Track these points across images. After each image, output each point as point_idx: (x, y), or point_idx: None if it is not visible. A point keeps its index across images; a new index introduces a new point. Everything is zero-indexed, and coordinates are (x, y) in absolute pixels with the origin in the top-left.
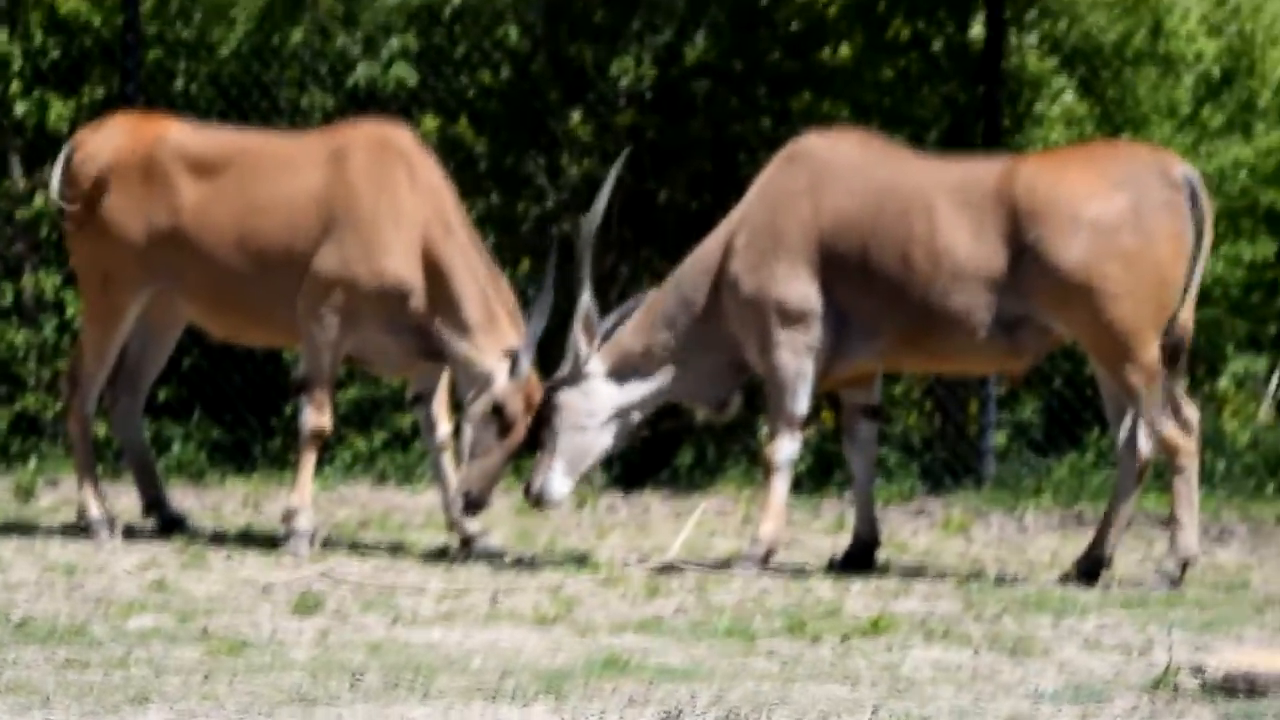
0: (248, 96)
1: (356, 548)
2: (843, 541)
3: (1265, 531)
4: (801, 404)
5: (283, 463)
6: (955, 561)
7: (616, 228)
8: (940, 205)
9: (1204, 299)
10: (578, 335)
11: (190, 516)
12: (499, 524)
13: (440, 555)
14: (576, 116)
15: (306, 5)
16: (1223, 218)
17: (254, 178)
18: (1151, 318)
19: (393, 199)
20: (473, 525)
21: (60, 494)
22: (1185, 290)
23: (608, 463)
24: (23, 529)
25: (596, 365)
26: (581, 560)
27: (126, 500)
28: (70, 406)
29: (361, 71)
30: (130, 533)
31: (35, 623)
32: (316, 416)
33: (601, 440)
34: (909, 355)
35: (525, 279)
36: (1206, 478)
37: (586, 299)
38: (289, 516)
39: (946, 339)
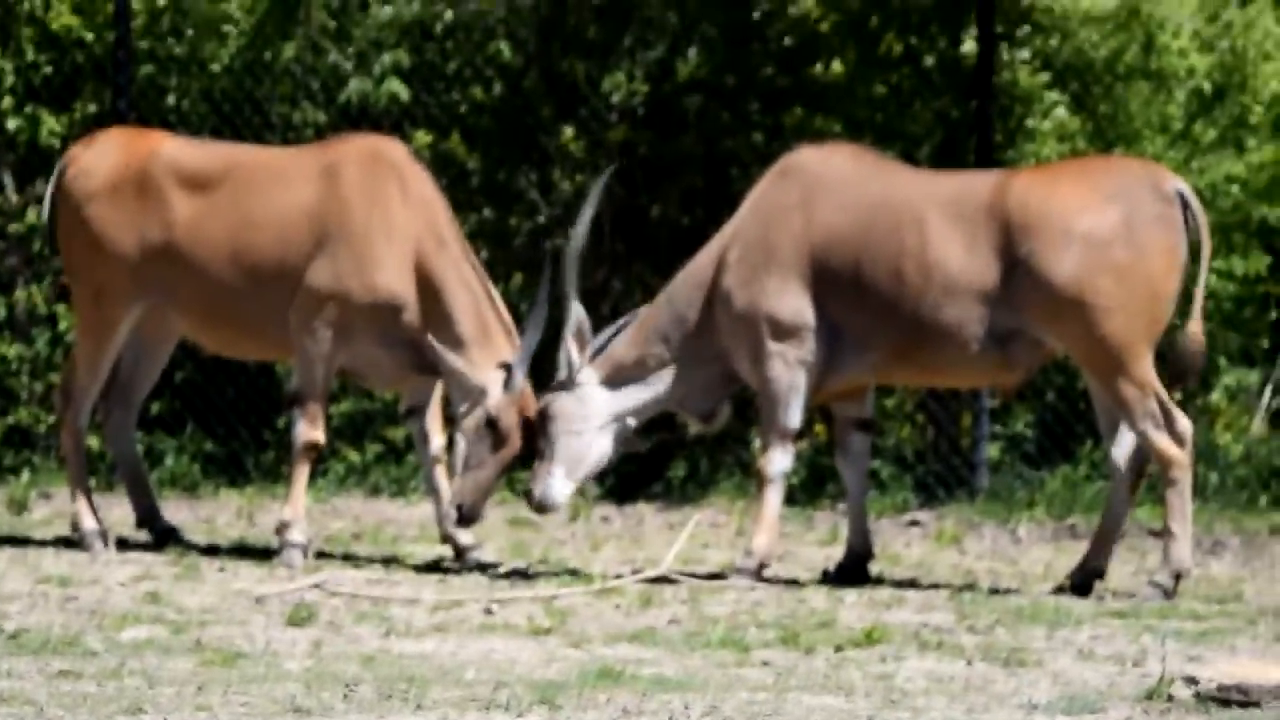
0: (240, 112)
1: (350, 559)
2: (836, 553)
3: (1258, 544)
4: (794, 417)
5: (276, 475)
6: (948, 573)
7: (609, 242)
8: (932, 219)
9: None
10: (569, 344)
11: (183, 529)
12: (493, 536)
13: (434, 567)
14: (569, 132)
15: (299, 21)
16: (1215, 232)
17: (247, 193)
18: (1144, 331)
19: (385, 213)
20: (466, 537)
21: (53, 507)
22: (1190, 301)
23: (601, 475)
24: (16, 541)
25: (590, 374)
26: (575, 572)
27: (120, 513)
28: (63, 420)
29: (354, 87)
30: (124, 545)
31: (29, 634)
32: (309, 429)
33: (599, 445)
34: (901, 368)
35: (518, 293)
36: (1199, 490)
37: (578, 308)
38: (282, 529)
39: (939, 352)
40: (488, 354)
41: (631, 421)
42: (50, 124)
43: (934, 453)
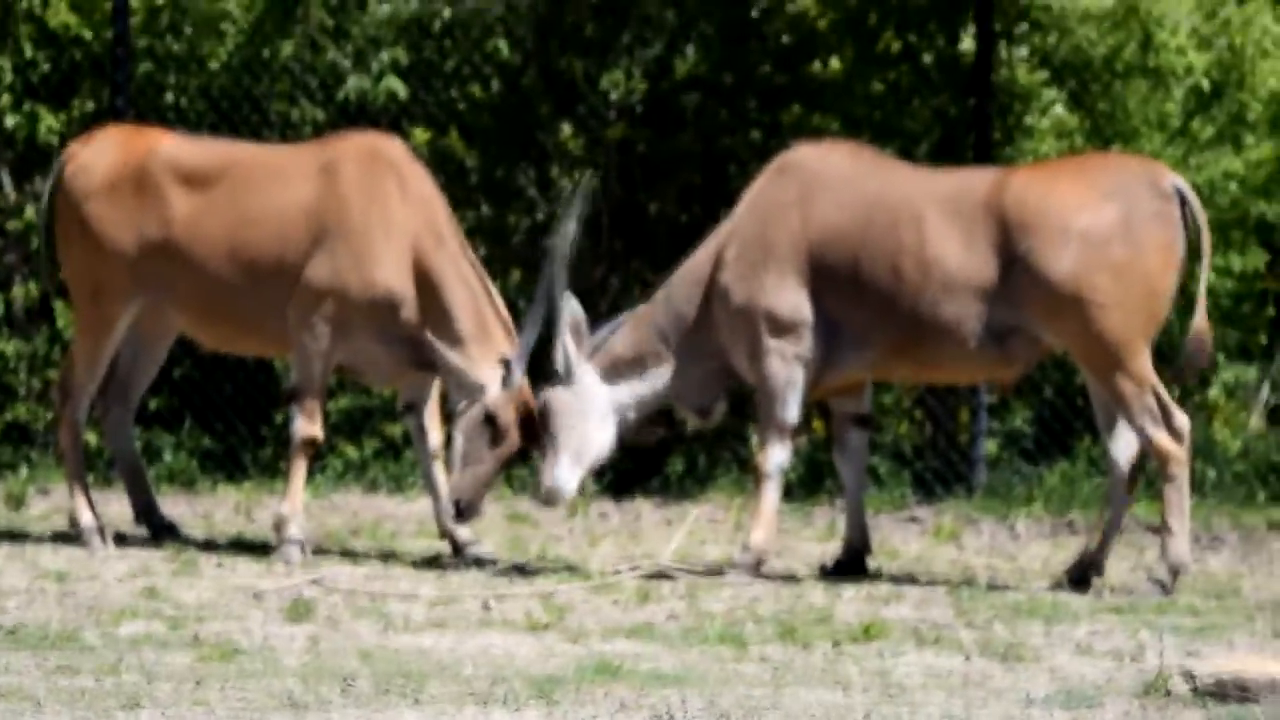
0: (238, 110)
1: (348, 555)
2: (833, 549)
3: (1256, 539)
4: (792, 413)
5: (274, 471)
6: (946, 569)
7: (607, 239)
8: (930, 216)
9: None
10: (566, 339)
11: (181, 524)
12: (490, 532)
13: (432, 563)
14: (567, 129)
15: (297, 19)
16: (1213, 229)
17: (245, 190)
18: (1141, 328)
19: (384, 210)
20: (464, 533)
21: (52, 502)
22: (1190, 298)
23: (599, 471)
24: (14, 537)
25: (588, 369)
26: (573, 567)
27: (118, 508)
28: (62, 416)
29: (352, 85)
30: (121, 540)
31: (27, 629)
32: (308, 425)
33: (601, 434)
34: (899, 365)
35: (516, 290)
36: (1198, 486)
37: (574, 304)
38: (280, 524)
39: (937, 349)
40: (486, 350)
41: (632, 414)
42: (48, 121)
43: (932, 448)
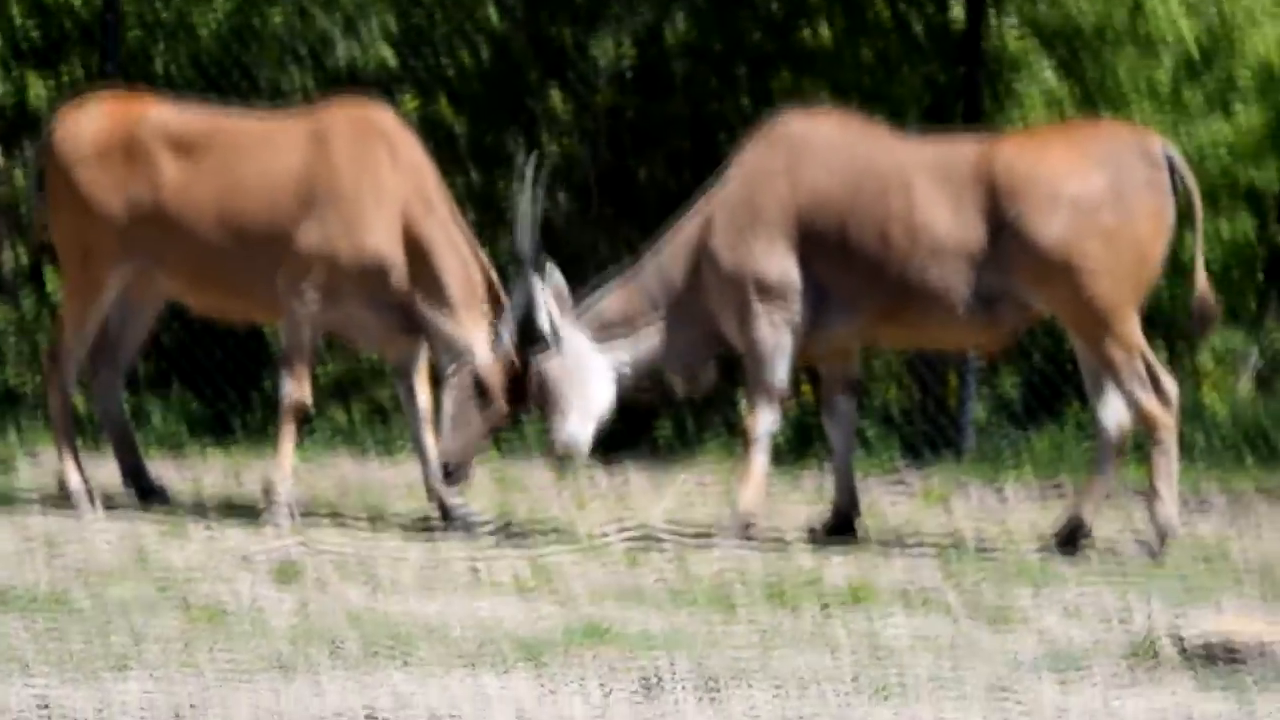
0: (227, 76)
1: (336, 518)
2: (822, 512)
3: (1244, 503)
4: (780, 377)
5: (263, 435)
6: (935, 532)
7: (596, 205)
8: (918, 183)
9: (1184, 274)
10: (550, 307)
11: (170, 488)
12: (479, 495)
13: (420, 526)
14: (556, 96)
15: None
16: (1203, 195)
17: (235, 156)
18: (1130, 294)
19: (374, 177)
20: (453, 496)
21: (40, 466)
22: (1181, 264)
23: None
24: (3, 500)
25: (574, 332)
26: (561, 531)
27: (106, 472)
28: (51, 380)
29: (341, 51)
30: (110, 504)
31: (16, 592)
32: (297, 390)
33: (603, 389)
34: (888, 330)
35: (506, 256)
36: (1186, 451)
37: (555, 274)
38: (269, 488)
39: (925, 314)
40: (475, 316)
41: (627, 370)
42: (37, 87)
43: (921, 413)
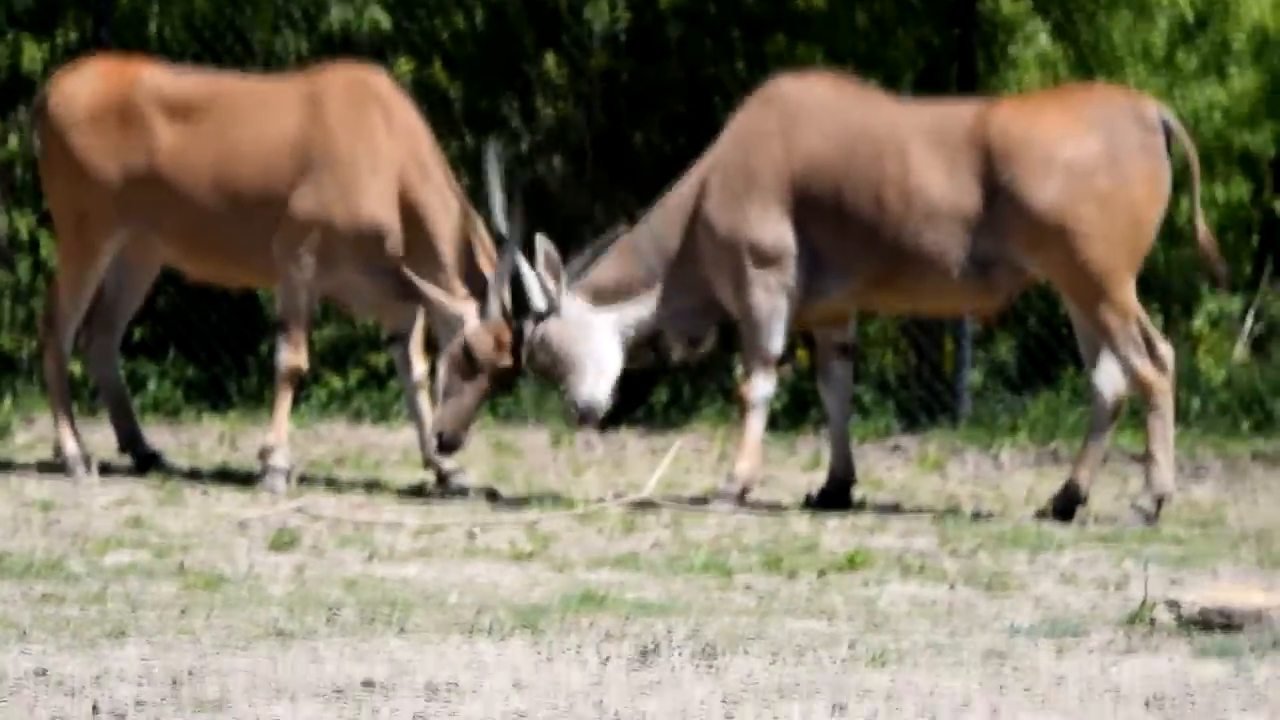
0: (221, 40)
1: (333, 484)
2: (818, 479)
3: (1240, 468)
4: (776, 343)
5: (259, 401)
6: (931, 498)
7: (591, 170)
8: (913, 147)
9: (1179, 239)
10: (544, 275)
11: (166, 454)
12: (476, 462)
13: (416, 492)
14: (551, 59)
15: None
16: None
17: (231, 121)
18: (1126, 258)
19: (370, 142)
20: (449, 462)
21: (36, 432)
22: (1179, 227)
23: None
24: None
25: (571, 297)
26: (558, 497)
27: (102, 438)
28: (46, 345)
29: (335, 15)
30: (106, 470)
31: (12, 558)
32: (293, 355)
33: (611, 348)
34: (883, 295)
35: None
36: (1182, 416)
37: (546, 243)
38: (265, 454)
39: (920, 279)
40: (471, 282)
41: (631, 332)
42: (31, 51)
43: (917, 378)
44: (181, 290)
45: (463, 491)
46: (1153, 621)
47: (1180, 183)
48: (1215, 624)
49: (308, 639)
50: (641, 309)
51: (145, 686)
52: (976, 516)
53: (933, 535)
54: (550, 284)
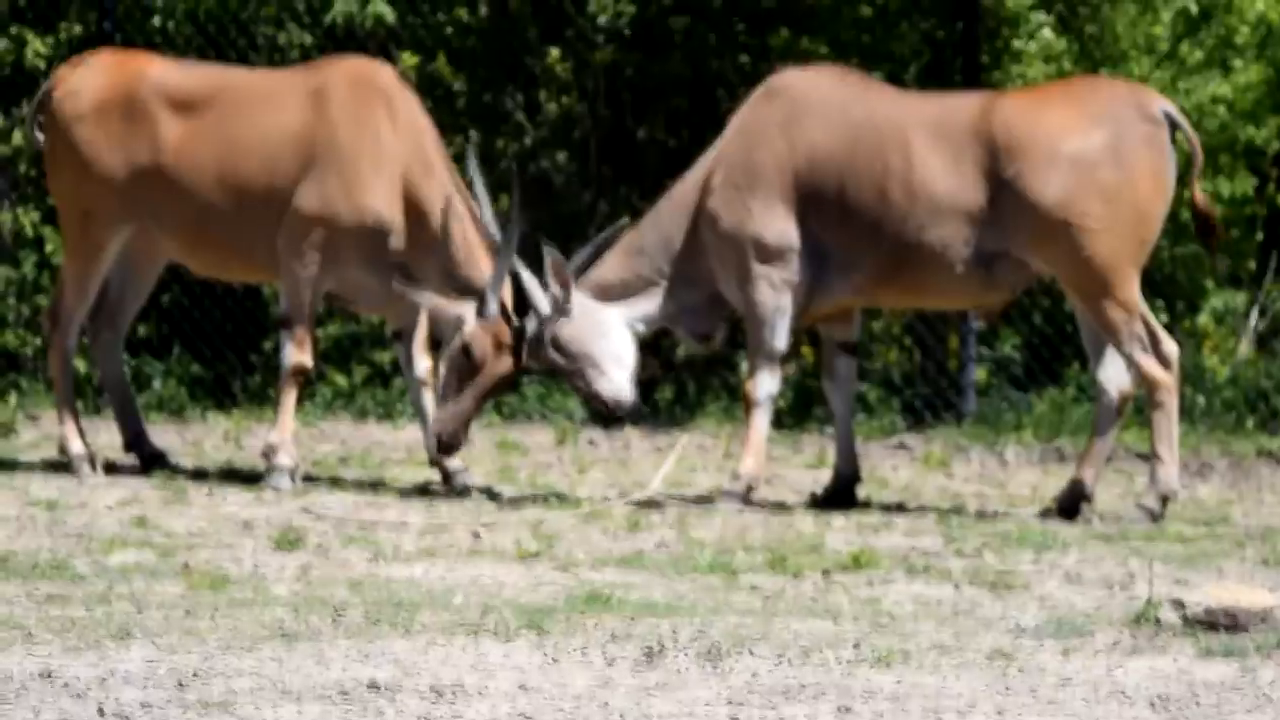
0: (225, 34)
1: (337, 483)
2: (823, 477)
3: (1245, 466)
4: (781, 340)
5: (263, 399)
6: (936, 497)
7: (595, 165)
8: (917, 140)
9: (1183, 234)
10: (551, 282)
11: (171, 452)
12: (480, 460)
13: (421, 491)
14: (555, 53)
15: None
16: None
17: (235, 115)
18: (1130, 253)
19: (374, 137)
20: (454, 461)
21: (41, 430)
22: (1181, 221)
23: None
24: (3, 465)
25: (579, 296)
26: (562, 496)
27: (107, 436)
28: (51, 342)
29: (339, 8)
30: (111, 469)
31: (17, 558)
32: (298, 353)
33: (623, 339)
34: (887, 290)
35: (504, 216)
36: (1187, 413)
37: (552, 252)
38: (270, 452)
39: (924, 274)
40: (474, 279)
41: (640, 326)
42: (36, 45)
43: (921, 376)
44: (186, 288)
45: (465, 491)
46: (1158, 621)
47: (1185, 180)
48: (1221, 624)
49: (313, 639)
50: (648, 305)
51: (150, 688)
52: (981, 515)
53: (938, 534)
54: (558, 289)
